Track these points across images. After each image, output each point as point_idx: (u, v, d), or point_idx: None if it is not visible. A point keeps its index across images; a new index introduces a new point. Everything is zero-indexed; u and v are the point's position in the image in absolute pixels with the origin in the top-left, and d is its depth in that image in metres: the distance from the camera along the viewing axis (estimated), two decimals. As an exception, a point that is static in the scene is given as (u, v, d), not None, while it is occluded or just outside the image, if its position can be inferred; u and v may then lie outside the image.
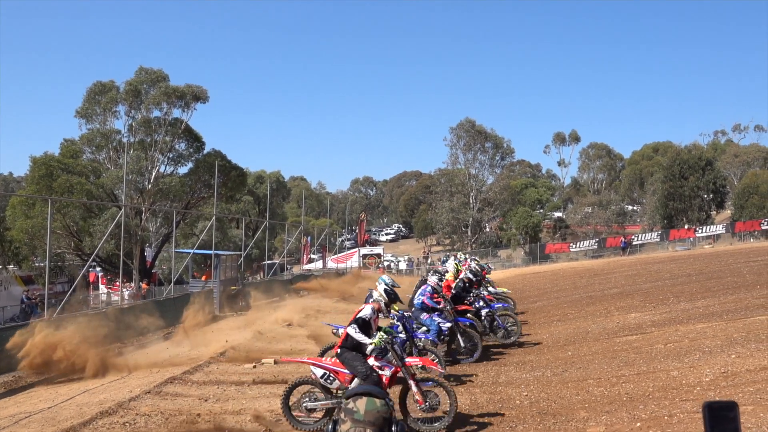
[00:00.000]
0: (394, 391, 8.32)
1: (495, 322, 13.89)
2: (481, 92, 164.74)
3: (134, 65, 78.08)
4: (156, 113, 36.33)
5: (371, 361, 7.93)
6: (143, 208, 34.73)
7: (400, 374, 8.05)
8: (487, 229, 67.23)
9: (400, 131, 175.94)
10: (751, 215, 53.97)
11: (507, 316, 14.28)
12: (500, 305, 14.81)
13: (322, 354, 10.73)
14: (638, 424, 7.28)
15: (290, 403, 8.21)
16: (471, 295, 14.12)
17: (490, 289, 16.96)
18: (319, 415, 8.05)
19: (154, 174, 35.64)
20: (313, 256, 54.88)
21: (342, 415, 2.76)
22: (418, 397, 7.98)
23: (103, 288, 35.95)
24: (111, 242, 30.35)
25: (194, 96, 36.55)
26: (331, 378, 8.10)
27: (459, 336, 12.38)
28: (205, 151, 38.34)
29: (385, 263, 57.51)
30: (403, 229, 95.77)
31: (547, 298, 23.36)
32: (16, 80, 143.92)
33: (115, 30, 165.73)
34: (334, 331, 11.55)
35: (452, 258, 21.31)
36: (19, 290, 30.99)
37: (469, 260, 20.06)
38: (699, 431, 6.58)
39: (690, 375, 9.09)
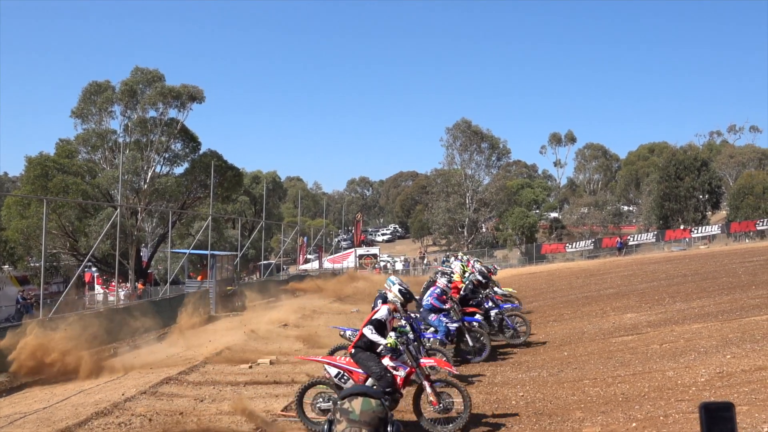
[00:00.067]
0: (408, 392, 8.31)
1: (504, 322, 13.96)
2: (477, 93, 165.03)
3: (130, 65, 77.86)
4: (152, 113, 36.25)
5: (386, 361, 7.92)
6: (139, 209, 34.65)
7: (414, 375, 8.02)
8: (484, 230, 67.30)
9: (396, 131, 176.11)
10: (746, 216, 54.13)
11: (516, 316, 14.36)
12: (509, 305, 14.94)
13: (332, 353, 10.73)
14: (634, 424, 7.29)
15: (304, 404, 8.18)
16: (480, 295, 14.15)
17: (496, 289, 17.03)
18: None
19: (150, 174, 35.55)
20: (309, 256, 54.84)
21: (337, 416, 2.75)
22: (432, 398, 7.91)
23: (98, 288, 35.83)
24: (107, 242, 30.27)
25: (190, 96, 36.47)
26: (345, 377, 8.09)
27: (467, 335, 12.44)
28: (201, 152, 38.27)
29: (381, 263, 57.50)
30: (400, 229, 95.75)
31: (543, 299, 23.39)
32: (11, 80, 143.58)
33: (111, 30, 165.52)
34: (342, 333, 11.54)
35: (453, 259, 21.34)
36: (15, 290, 30.88)
37: (471, 261, 20.13)
38: (694, 431, 6.59)
39: (685, 375, 9.11)
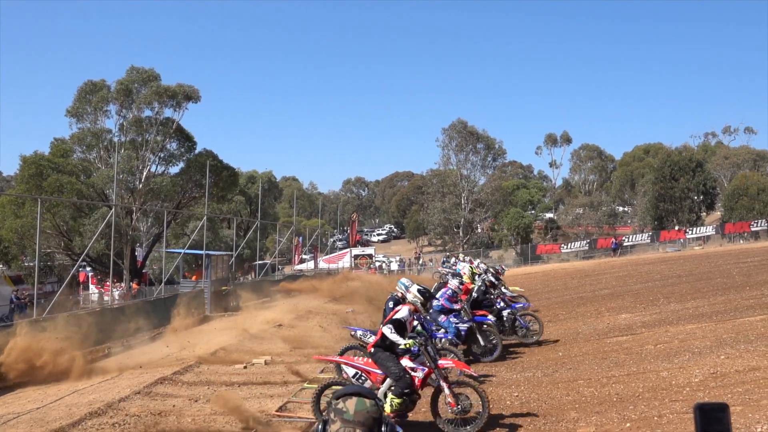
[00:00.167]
0: (426, 393, 8.29)
1: (516, 322, 14.00)
2: (473, 93, 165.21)
3: (125, 64, 77.80)
4: (147, 113, 36.22)
5: (405, 362, 7.90)
6: (134, 208, 34.57)
7: (432, 376, 7.99)
8: (479, 230, 67.36)
9: (392, 132, 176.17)
10: (740, 217, 54.32)
11: (528, 316, 14.41)
12: (521, 305, 15.04)
13: (342, 353, 10.71)
14: (628, 424, 7.30)
15: (321, 405, 8.15)
16: (492, 296, 14.16)
17: (503, 290, 17.10)
18: None
19: (145, 174, 35.48)
20: (304, 256, 54.78)
21: (332, 416, 2.75)
22: (450, 399, 7.87)
23: (93, 288, 35.72)
24: (101, 242, 30.18)
25: (186, 95, 36.42)
26: (362, 378, 8.08)
27: (479, 335, 12.47)
28: (196, 151, 38.23)
29: (377, 264, 57.48)
30: (395, 229, 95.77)
31: (538, 299, 23.39)
32: (6, 79, 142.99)
33: (106, 29, 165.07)
34: (353, 333, 11.54)
35: (454, 259, 21.42)
36: (8, 290, 30.78)
37: (476, 262, 20.25)
38: (688, 431, 6.61)
39: (679, 375, 9.13)
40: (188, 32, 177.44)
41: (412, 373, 7.84)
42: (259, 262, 45.53)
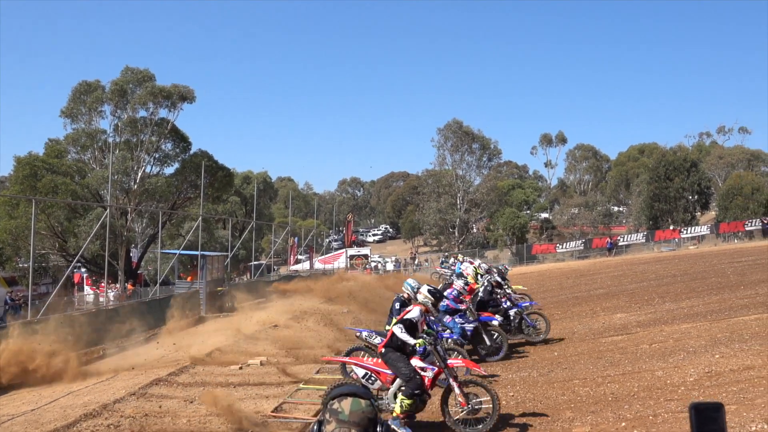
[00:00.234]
0: (436, 393, 8.28)
1: (523, 321, 14.01)
2: (468, 93, 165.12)
3: (120, 65, 77.42)
4: (142, 113, 36.06)
5: (415, 362, 7.89)
6: (129, 209, 34.47)
7: (441, 376, 7.99)
8: (474, 230, 67.39)
9: (387, 132, 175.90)
10: (735, 216, 54.48)
11: (534, 314, 14.43)
12: (527, 303, 15.08)
13: (348, 354, 10.70)
14: (623, 423, 7.32)
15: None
16: (498, 295, 14.19)
17: (507, 289, 17.13)
18: None
19: (140, 174, 35.37)
20: (300, 257, 54.75)
21: (327, 416, 2.74)
22: (461, 399, 7.85)
23: (87, 289, 35.62)
24: (96, 243, 30.08)
25: (181, 96, 36.31)
26: (372, 378, 8.06)
27: (484, 335, 12.49)
28: (191, 152, 38.08)
29: (372, 264, 57.48)
30: (391, 229, 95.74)
31: (534, 299, 23.43)
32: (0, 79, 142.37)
33: (100, 29, 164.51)
34: (358, 334, 11.54)
35: (453, 259, 21.45)
36: (3, 291, 30.63)
37: (476, 263, 20.28)
38: (683, 431, 6.62)
39: (674, 375, 9.16)
40: (183, 32, 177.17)
41: (422, 373, 7.82)
42: (255, 262, 45.49)
